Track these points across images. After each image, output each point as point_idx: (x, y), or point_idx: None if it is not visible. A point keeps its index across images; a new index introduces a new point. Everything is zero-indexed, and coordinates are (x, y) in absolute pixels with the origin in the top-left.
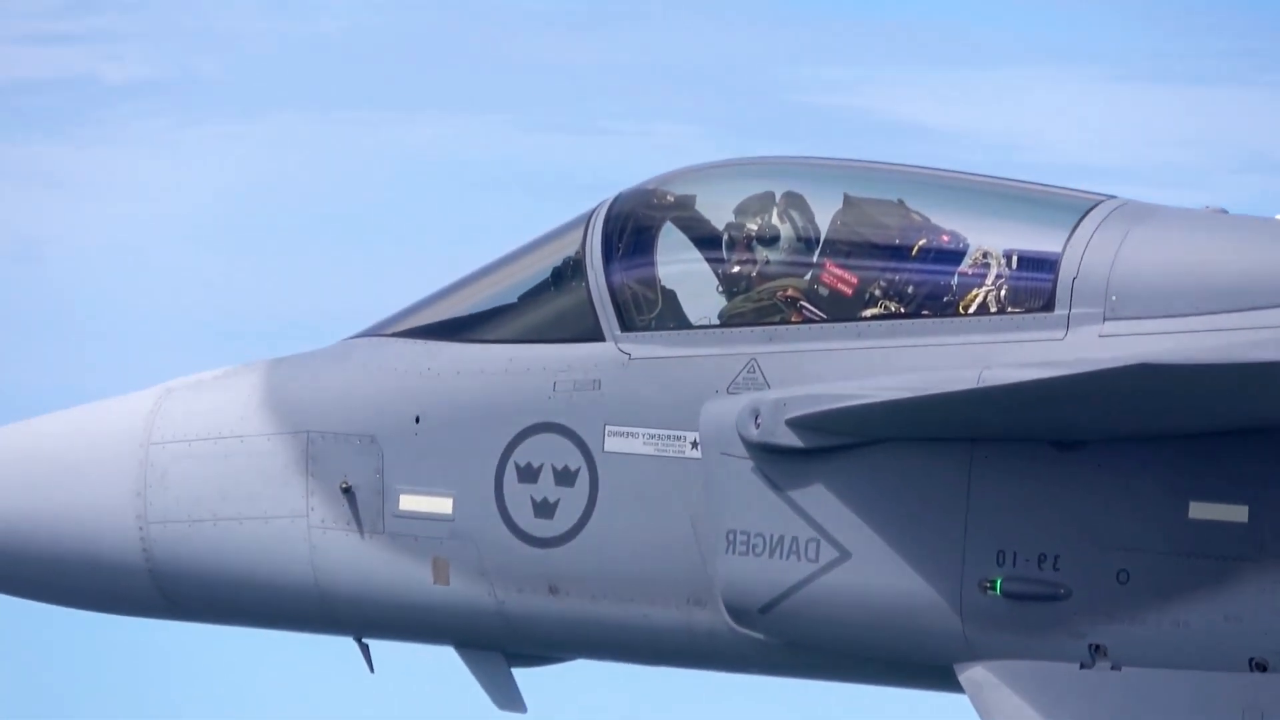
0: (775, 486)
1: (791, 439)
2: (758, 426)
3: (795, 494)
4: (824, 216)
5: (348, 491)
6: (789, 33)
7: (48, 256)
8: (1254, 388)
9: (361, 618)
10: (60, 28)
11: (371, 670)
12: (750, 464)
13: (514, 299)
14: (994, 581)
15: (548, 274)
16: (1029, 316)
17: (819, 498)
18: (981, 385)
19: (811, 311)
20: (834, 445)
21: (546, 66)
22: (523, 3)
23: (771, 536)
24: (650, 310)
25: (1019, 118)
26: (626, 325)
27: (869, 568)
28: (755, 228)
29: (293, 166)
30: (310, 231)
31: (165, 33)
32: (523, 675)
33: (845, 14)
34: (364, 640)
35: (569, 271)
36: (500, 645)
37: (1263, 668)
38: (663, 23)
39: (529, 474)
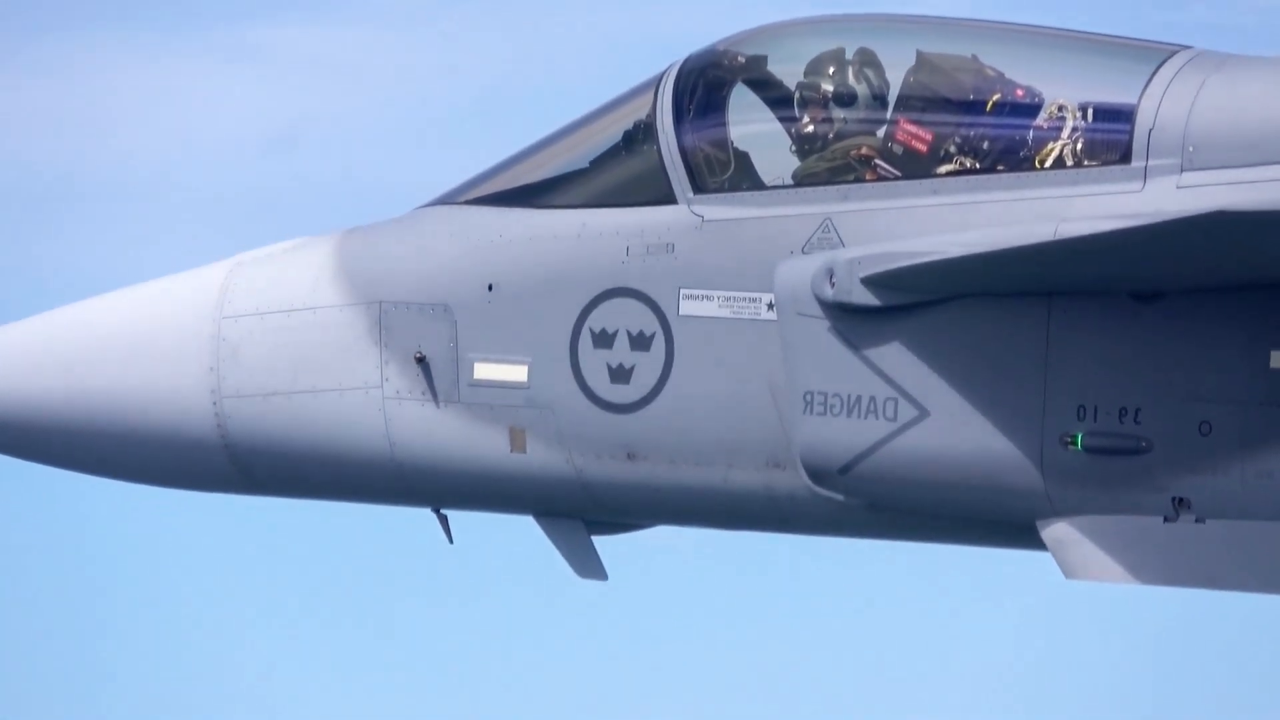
0: (852, 346)
1: (867, 297)
2: (833, 286)
3: (872, 353)
4: (897, 73)
5: (422, 361)
6: None
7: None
8: None
9: (438, 488)
10: None
11: (450, 541)
12: (826, 324)
13: (585, 164)
14: (1075, 436)
15: (619, 138)
16: (1105, 169)
17: (896, 356)
18: (1059, 238)
19: (886, 169)
20: (910, 303)
21: None
22: None
23: (849, 396)
24: (723, 172)
25: None
26: (699, 188)
27: (948, 426)
28: (827, 86)
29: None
30: (382, 100)
31: None
32: (603, 543)
33: None
34: (442, 511)
35: (640, 135)
36: (579, 513)
37: None
38: None
39: (604, 339)
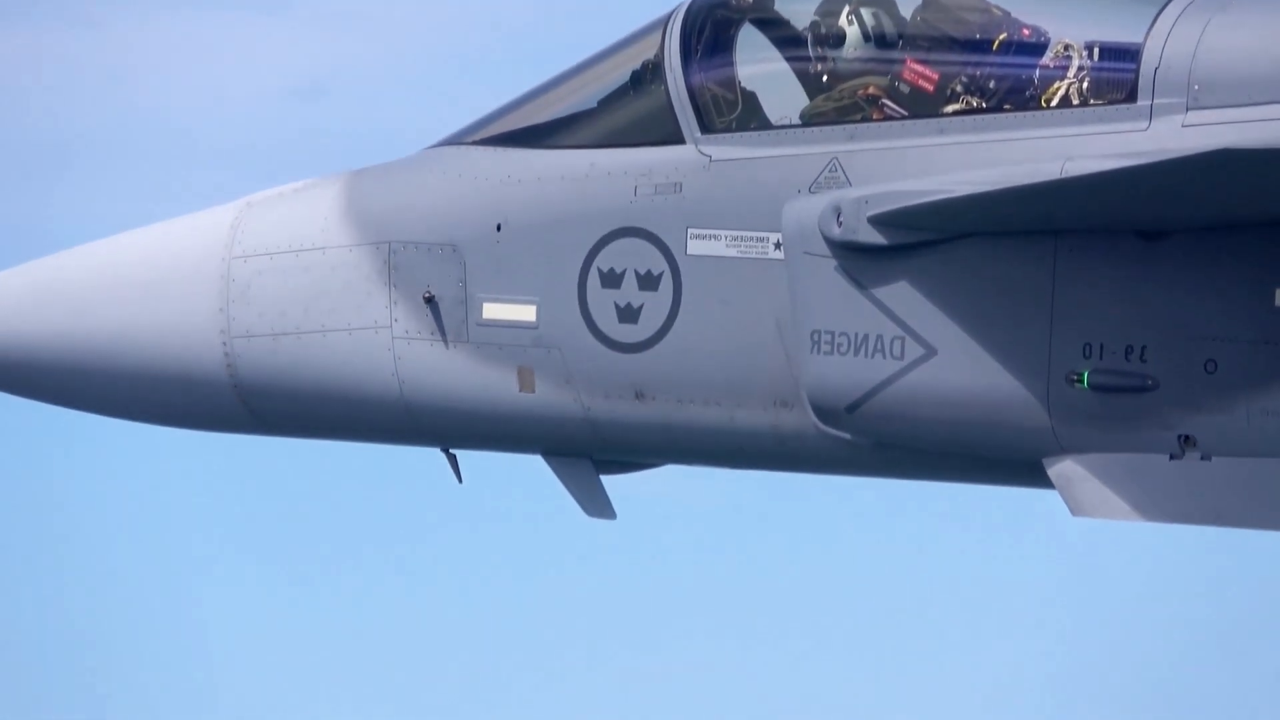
0: (859, 285)
1: (874, 236)
2: (840, 225)
3: (879, 292)
4: (904, 12)
5: (430, 301)
6: None
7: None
8: None
9: (448, 428)
10: None
11: (460, 481)
12: (834, 263)
13: (593, 104)
14: (1081, 374)
15: (627, 78)
16: (1111, 108)
17: (903, 295)
18: (1065, 176)
19: (893, 109)
20: (917, 242)
21: None
22: None
23: (856, 335)
24: (730, 112)
25: None
26: (707, 127)
27: (955, 364)
28: (835, 26)
29: None
30: (408, 49)
31: None
32: (611, 482)
33: None
34: (451, 451)
35: (648, 75)
36: (588, 452)
37: None
38: None
39: (612, 279)
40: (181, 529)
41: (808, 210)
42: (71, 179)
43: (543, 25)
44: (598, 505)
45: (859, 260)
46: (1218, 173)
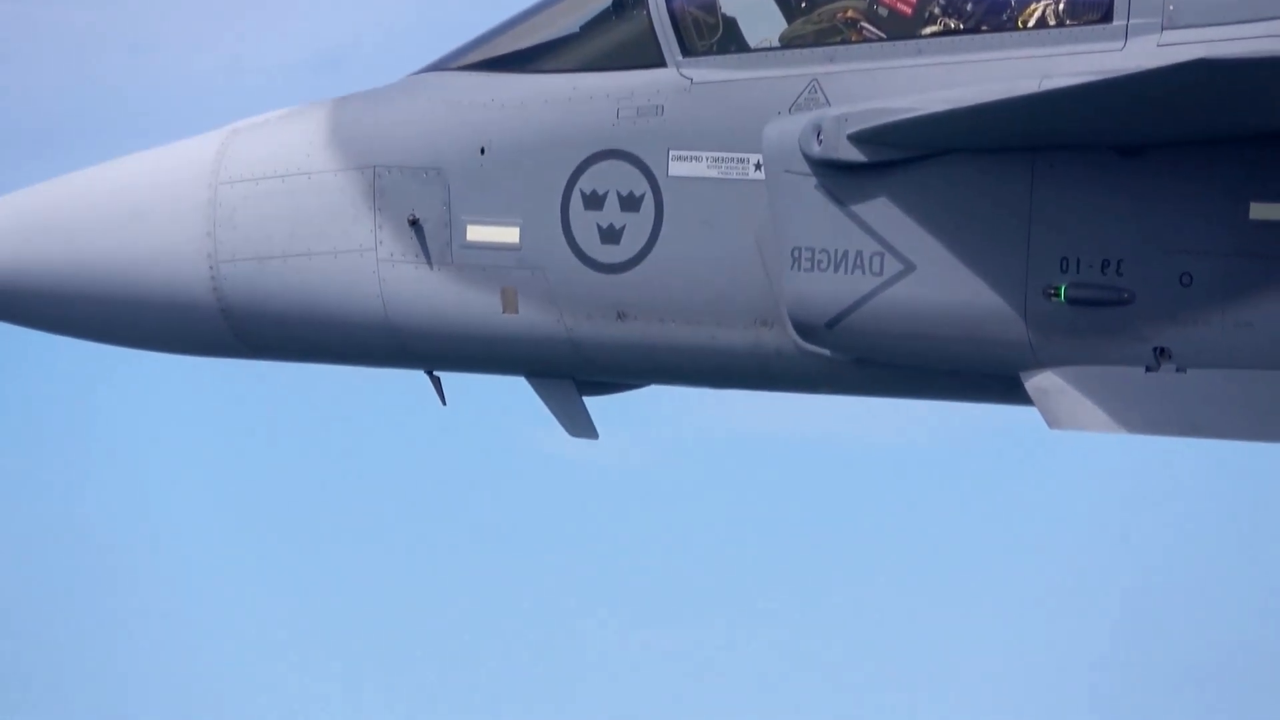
0: (839, 202)
1: (854, 153)
2: (820, 143)
3: (859, 209)
4: None
5: (415, 224)
6: None
7: None
8: None
9: (432, 350)
10: None
11: (444, 403)
12: (814, 181)
13: (576, 29)
14: (1058, 288)
15: (608, 3)
16: (1087, 28)
17: (882, 212)
18: (1042, 90)
19: (871, 31)
20: (896, 159)
21: None
22: None
23: (836, 251)
24: (711, 35)
25: None
26: (687, 50)
27: (934, 279)
28: None
29: None
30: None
31: None
32: (594, 403)
33: None
34: (435, 373)
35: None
36: (570, 373)
37: None
38: None
39: (594, 201)
40: (172, 452)
41: (788, 130)
42: (87, 150)
43: None
44: (580, 425)
45: (839, 178)
46: (1194, 83)
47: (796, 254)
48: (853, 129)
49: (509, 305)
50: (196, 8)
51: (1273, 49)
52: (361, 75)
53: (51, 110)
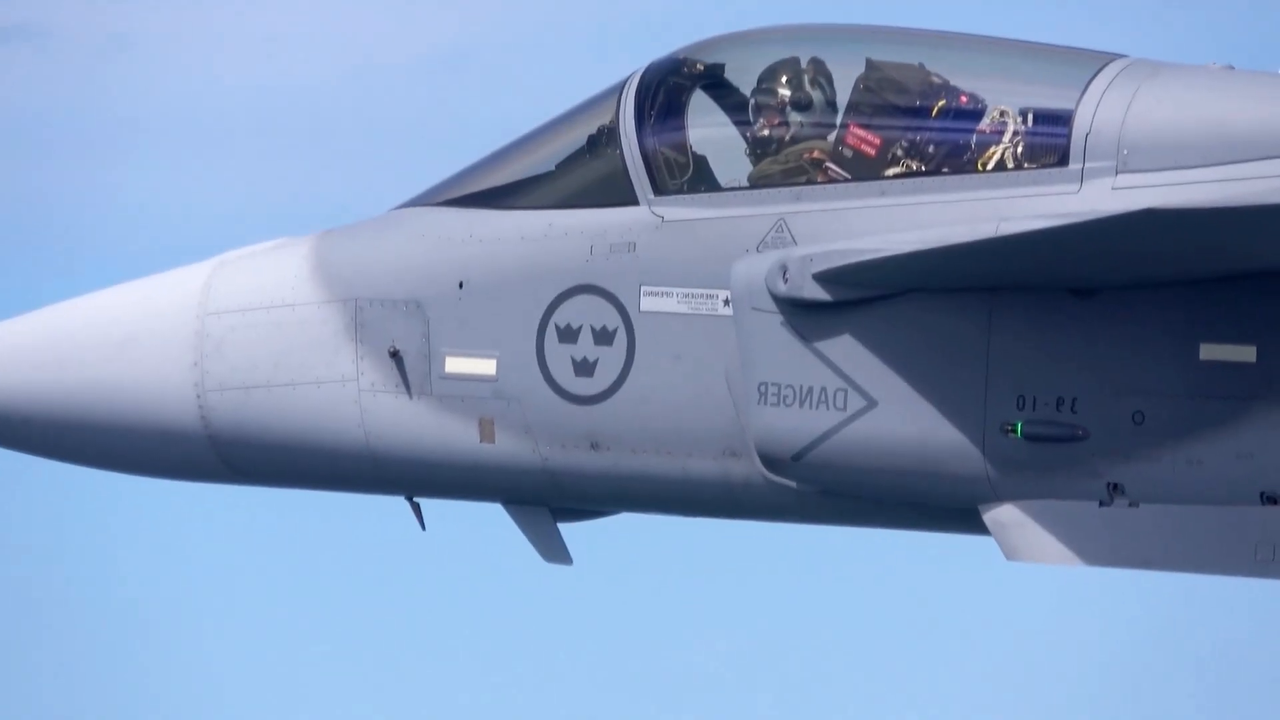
0: (804, 339)
1: (818, 292)
2: (786, 282)
3: (823, 345)
4: (847, 80)
5: (395, 356)
6: None
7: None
8: (1255, 230)
9: (412, 477)
10: None
11: (423, 528)
12: (780, 318)
13: (551, 167)
14: (1015, 425)
15: (583, 142)
16: (1045, 171)
17: (846, 349)
18: (999, 234)
19: (836, 172)
20: (859, 298)
21: None
22: None
23: (801, 387)
24: (682, 174)
25: None
26: (659, 189)
27: (895, 414)
28: (782, 92)
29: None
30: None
31: None
32: (568, 530)
33: None
34: (415, 500)
35: (603, 139)
36: (545, 500)
37: (1274, 500)
38: None
39: (569, 334)
40: (162, 576)
41: (755, 268)
42: (216, 152)
43: None
44: (555, 551)
45: (804, 315)
46: (1144, 232)
47: (763, 389)
48: (817, 269)
49: (486, 435)
50: (313, 6)
51: (1220, 197)
52: (486, 75)
53: (176, 112)
